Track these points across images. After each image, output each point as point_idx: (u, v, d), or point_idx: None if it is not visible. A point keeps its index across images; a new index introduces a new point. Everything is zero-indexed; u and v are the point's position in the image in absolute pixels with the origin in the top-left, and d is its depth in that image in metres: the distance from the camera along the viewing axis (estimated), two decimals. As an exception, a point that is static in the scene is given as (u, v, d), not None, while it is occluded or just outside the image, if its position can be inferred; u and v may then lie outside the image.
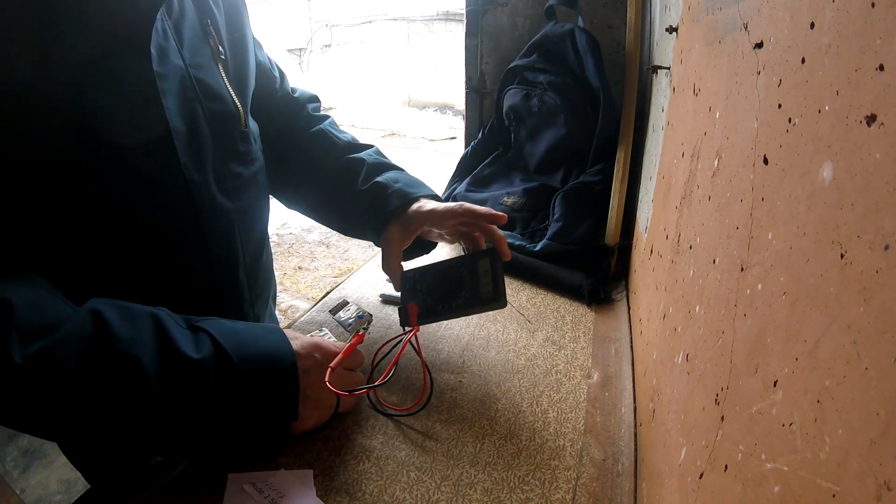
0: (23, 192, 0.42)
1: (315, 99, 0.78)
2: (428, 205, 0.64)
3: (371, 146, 0.74)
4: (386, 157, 0.73)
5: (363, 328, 0.70)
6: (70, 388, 0.38)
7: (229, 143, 0.57)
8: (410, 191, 0.66)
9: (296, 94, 0.76)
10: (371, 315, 0.73)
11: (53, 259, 0.45)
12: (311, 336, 0.54)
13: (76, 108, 0.42)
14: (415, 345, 0.57)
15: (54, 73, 0.41)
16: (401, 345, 0.58)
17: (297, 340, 0.50)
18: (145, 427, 0.41)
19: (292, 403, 0.46)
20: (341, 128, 0.77)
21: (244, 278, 0.62)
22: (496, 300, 0.55)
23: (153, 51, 0.46)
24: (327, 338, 0.66)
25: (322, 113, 0.77)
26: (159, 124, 0.48)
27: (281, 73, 0.74)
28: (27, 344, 0.37)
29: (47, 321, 0.39)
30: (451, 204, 0.63)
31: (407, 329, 0.58)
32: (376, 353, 0.63)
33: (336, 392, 0.48)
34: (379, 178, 0.67)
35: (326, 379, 0.48)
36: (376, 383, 0.53)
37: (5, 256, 0.42)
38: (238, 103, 0.57)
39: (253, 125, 0.62)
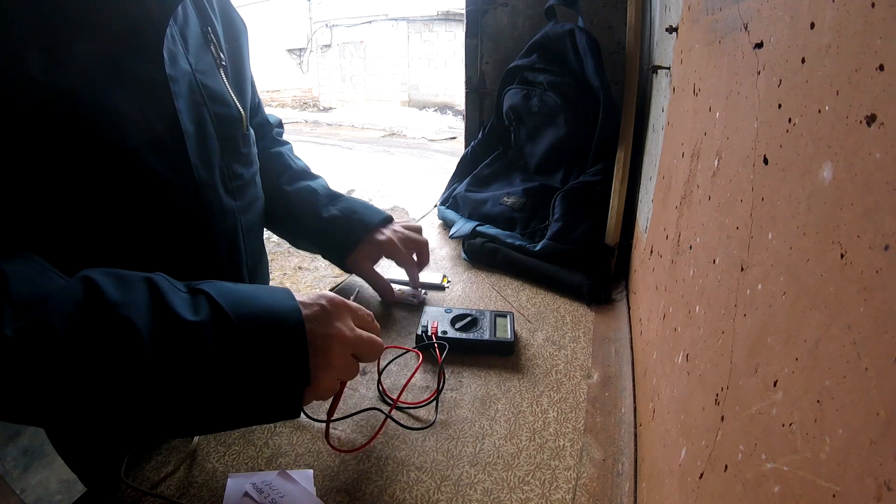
0: (31, 188, 0.42)
1: (280, 124, 0.85)
2: (386, 235, 0.74)
3: (320, 176, 0.81)
4: (332, 190, 0.80)
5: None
6: (61, 354, 0.35)
7: (233, 145, 0.59)
8: (371, 218, 0.75)
9: (270, 119, 0.81)
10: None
11: (61, 258, 0.45)
12: None
13: (90, 108, 0.43)
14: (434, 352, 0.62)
15: (67, 74, 0.41)
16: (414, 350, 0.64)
17: (303, 294, 0.46)
18: (141, 396, 0.38)
19: (301, 364, 0.41)
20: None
21: (247, 277, 0.64)
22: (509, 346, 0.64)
23: (165, 55, 0.47)
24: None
25: (283, 139, 0.84)
26: (172, 126, 0.49)
27: (259, 98, 0.77)
28: (19, 318, 0.35)
29: (40, 293, 0.37)
30: (406, 236, 0.75)
31: (423, 343, 0.64)
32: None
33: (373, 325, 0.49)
34: (339, 208, 0.76)
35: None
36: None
37: (6, 243, 0.41)
38: (240, 107, 0.59)
39: (251, 129, 0.64)
